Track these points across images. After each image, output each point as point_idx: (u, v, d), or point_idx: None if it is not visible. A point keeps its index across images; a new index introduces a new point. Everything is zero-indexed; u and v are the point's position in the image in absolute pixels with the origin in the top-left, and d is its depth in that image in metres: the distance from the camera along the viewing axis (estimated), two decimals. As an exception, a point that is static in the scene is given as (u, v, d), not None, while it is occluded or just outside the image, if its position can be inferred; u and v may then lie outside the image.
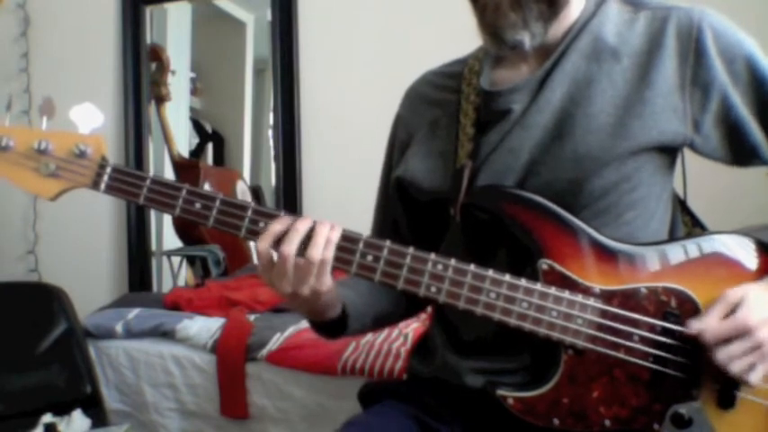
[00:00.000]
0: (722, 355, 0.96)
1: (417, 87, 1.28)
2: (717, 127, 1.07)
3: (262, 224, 1.03)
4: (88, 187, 1.06)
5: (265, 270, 1.03)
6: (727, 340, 0.96)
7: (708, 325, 0.97)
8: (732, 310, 0.97)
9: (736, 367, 0.96)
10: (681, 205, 1.20)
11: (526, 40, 1.07)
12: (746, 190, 1.56)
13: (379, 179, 1.30)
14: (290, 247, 1.01)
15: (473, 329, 1.11)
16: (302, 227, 1.02)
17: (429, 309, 1.29)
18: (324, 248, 1.01)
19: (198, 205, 1.04)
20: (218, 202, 1.04)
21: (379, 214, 1.31)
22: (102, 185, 1.05)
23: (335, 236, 1.02)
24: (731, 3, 1.32)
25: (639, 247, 1.04)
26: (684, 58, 1.06)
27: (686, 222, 1.20)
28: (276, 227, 1.02)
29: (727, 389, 1.00)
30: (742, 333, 0.95)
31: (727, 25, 1.08)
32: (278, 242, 1.02)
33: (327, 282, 1.04)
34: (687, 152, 1.12)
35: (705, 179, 1.27)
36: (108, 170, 1.05)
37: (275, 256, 1.02)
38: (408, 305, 1.27)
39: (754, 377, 0.96)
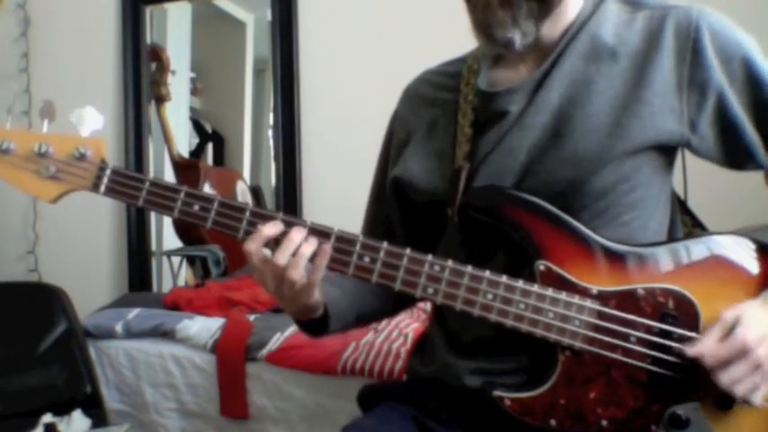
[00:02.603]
0: (725, 378, 0.95)
1: (416, 86, 1.28)
2: (712, 127, 1.07)
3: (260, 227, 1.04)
4: (88, 190, 1.07)
5: (255, 270, 1.04)
6: (728, 362, 0.95)
7: (706, 348, 0.96)
8: (730, 331, 0.96)
9: (740, 390, 0.95)
10: (681, 205, 1.20)
11: (516, 38, 1.07)
12: (747, 190, 1.56)
13: (373, 177, 1.31)
14: (283, 256, 1.01)
15: (471, 330, 1.11)
16: (297, 237, 1.02)
17: (427, 307, 1.30)
18: (307, 271, 1.02)
19: (196, 207, 1.04)
20: (216, 204, 1.04)
21: (370, 212, 1.31)
22: (102, 188, 1.06)
23: (323, 262, 1.02)
24: (732, 2, 1.31)
25: (638, 248, 1.04)
26: (682, 57, 1.06)
27: (686, 223, 1.20)
28: (267, 230, 1.02)
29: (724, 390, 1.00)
30: (741, 353, 0.95)
31: (726, 24, 1.08)
32: (270, 245, 1.02)
33: (314, 294, 1.05)
34: (687, 152, 1.11)
35: (705, 179, 1.27)
36: (107, 172, 1.06)
37: (267, 257, 1.02)
38: (396, 303, 1.28)
39: (758, 398, 0.96)
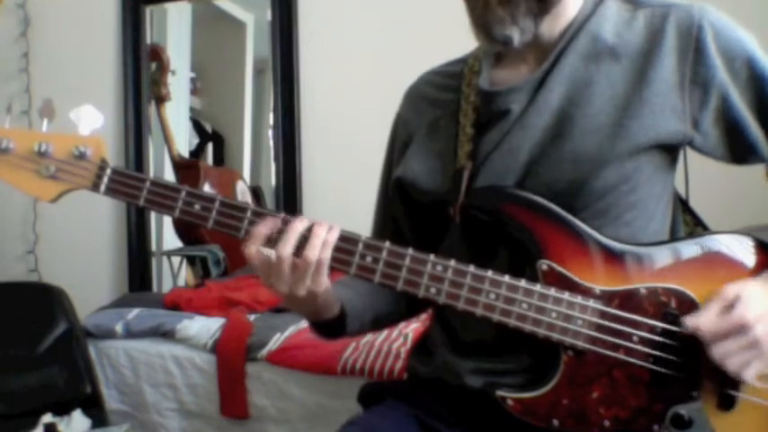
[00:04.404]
0: (718, 351, 0.95)
1: (418, 87, 1.27)
2: (716, 125, 1.07)
3: None
4: (88, 189, 1.06)
5: (261, 271, 1.04)
6: (724, 337, 0.95)
7: (704, 321, 0.96)
8: (729, 307, 0.96)
9: (732, 364, 0.95)
10: (682, 205, 1.20)
11: (515, 35, 1.07)
12: (748, 189, 1.56)
13: (380, 179, 1.30)
14: (286, 247, 1.01)
15: (472, 330, 1.11)
16: (300, 226, 1.02)
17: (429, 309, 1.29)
18: (320, 249, 1.01)
19: (197, 207, 1.04)
20: (217, 204, 1.04)
21: (379, 214, 1.31)
22: (102, 187, 1.05)
23: (333, 237, 1.02)
24: (732, 0, 1.31)
25: (639, 247, 1.04)
26: (684, 56, 1.06)
27: (687, 222, 1.19)
28: (261, 229, 1.02)
29: (727, 389, 1.00)
30: (738, 329, 0.95)
31: (728, 23, 1.08)
32: (274, 242, 1.02)
33: (324, 282, 1.04)
34: (690, 151, 1.11)
35: (707, 178, 1.27)
36: (108, 172, 1.05)
37: (273, 256, 1.02)
38: (409, 306, 1.27)
39: (750, 374, 0.96)
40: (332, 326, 1.15)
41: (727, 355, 0.95)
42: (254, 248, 1.02)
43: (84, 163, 1.05)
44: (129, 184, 1.05)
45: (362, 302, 1.18)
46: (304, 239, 1.01)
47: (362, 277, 1.03)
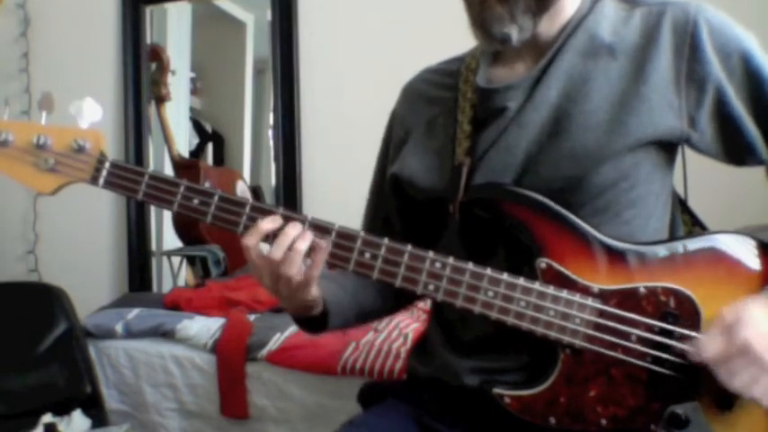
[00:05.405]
0: (724, 371, 0.95)
1: (414, 85, 1.28)
2: (712, 122, 1.07)
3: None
4: (87, 182, 1.06)
5: (252, 264, 1.04)
6: (729, 358, 0.95)
7: (707, 346, 0.96)
8: (730, 329, 0.96)
9: (738, 383, 0.95)
10: (681, 204, 1.20)
11: (514, 33, 1.07)
12: (747, 189, 1.56)
13: (372, 176, 1.31)
14: (277, 252, 1.01)
15: (471, 329, 1.11)
16: (292, 233, 1.02)
17: (427, 306, 1.29)
18: (301, 267, 1.02)
19: (196, 201, 1.04)
20: (216, 198, 1.04)
21: (370, 211, 1.31)
22: (101, 180, 1.06)
23: (321, 257, 1.02)
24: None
25: (639, 246, 1.04)
26: (680, 53, 1.06)
27: (686, 221, 1.19)
28: (265, 225, 1.02)
29: (725, 389, 1.00)
30: (742, 349, 0.94)
31: (724, 20, 1.08)
32: (271, 240, 1.02)
33: (310, 293, 1.05)
34: (688, 150, 1.11)
35: (706, 178, 1.27)
36: (106, 165, 1.06)
37: (264, 253, 1.02)
38: (395, 301, 1.27)
39: (758, 391, 0.95)
40: (314, 321, 1.15)
41: (732, 374, 0.95)
42: (253, 241, 1.02)
43: (82, 156, 1.06)
44: (127, 178, 1.05)
45: (348, 298, 1.18)
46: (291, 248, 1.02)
47: (361, 274, 1.03)
